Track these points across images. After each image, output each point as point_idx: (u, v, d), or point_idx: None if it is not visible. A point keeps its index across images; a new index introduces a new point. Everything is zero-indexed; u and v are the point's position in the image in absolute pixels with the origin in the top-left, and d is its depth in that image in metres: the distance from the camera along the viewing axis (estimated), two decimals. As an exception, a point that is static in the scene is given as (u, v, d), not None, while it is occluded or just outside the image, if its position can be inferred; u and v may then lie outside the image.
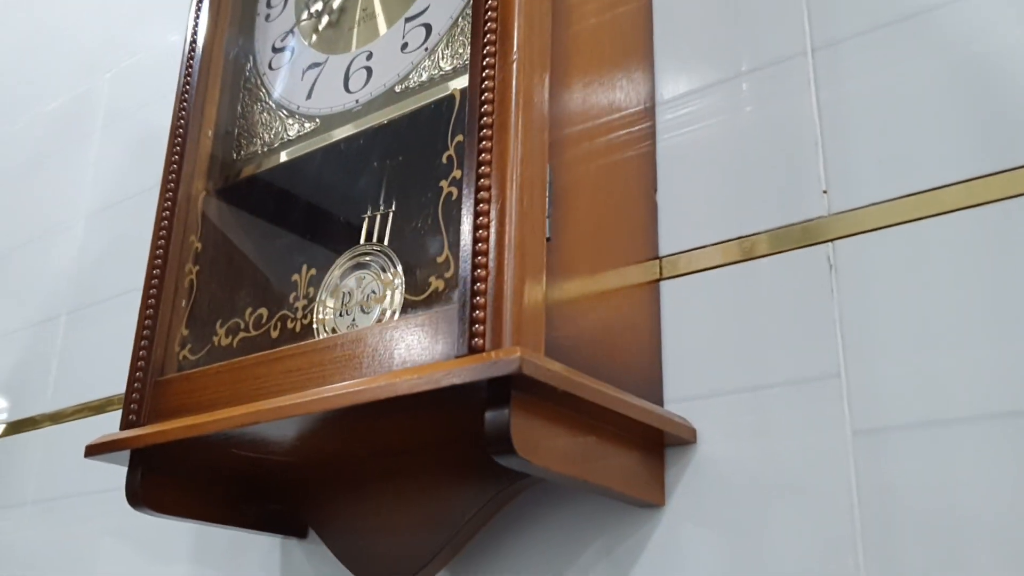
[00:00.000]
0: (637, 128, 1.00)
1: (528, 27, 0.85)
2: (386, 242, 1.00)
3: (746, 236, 0.93)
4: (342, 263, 1.03)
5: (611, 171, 0.95)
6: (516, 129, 0.81)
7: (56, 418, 1.63)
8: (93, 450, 1.01)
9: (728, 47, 1.00)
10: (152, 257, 1.07)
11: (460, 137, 0.88)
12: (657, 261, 0.98)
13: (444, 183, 0.88)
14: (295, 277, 0.99)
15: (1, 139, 2.12)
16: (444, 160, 0.89)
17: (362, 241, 1.04)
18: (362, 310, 0.99)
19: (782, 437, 0.84)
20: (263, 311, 1.00)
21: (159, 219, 1.09)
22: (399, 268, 0.98)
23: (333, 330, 0.99)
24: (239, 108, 1.19)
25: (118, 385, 1.50)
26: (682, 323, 0.94)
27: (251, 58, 1.21)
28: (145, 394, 1.01)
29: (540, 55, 0.85)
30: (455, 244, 0.83)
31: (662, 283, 0.97)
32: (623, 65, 1.00)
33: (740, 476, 0.86)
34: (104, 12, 1.98)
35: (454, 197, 0.87)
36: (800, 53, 0.95)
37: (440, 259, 0.88)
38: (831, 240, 0.87)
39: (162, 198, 1.11)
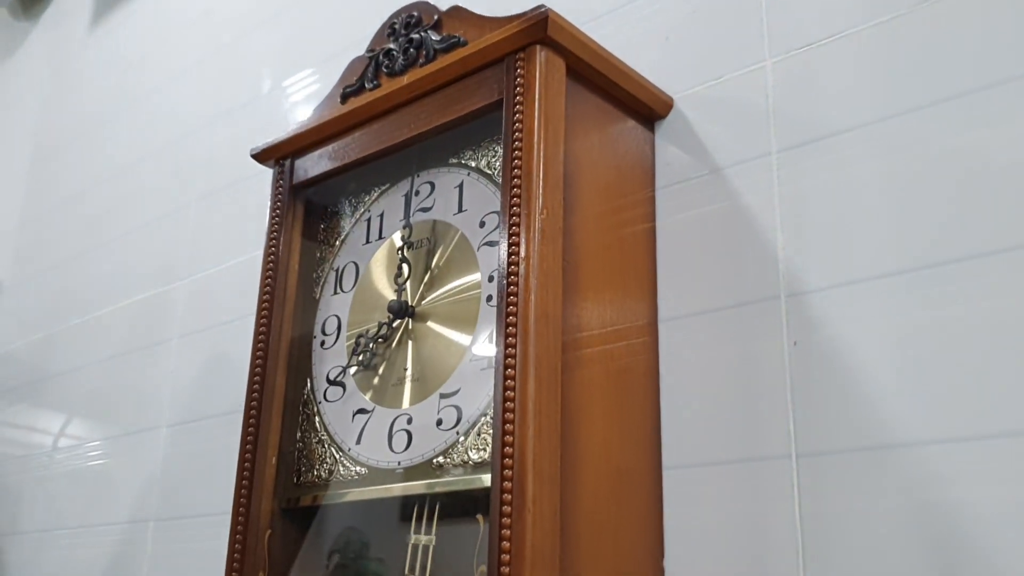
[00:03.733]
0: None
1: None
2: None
3: (737, 627, 1.06)
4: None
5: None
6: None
7: (148, 628, 1.83)
8: None
9: (725, 434, 1.13)
10: (227, 598, 1.24)
11: (483, 568, 1.03)
12: (663, 628, 1.11)
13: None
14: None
15: (85, 326, 2.32)
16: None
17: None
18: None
19: None
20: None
21: (231, 553, 1.26)
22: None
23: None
24: (298, 433, 1.35)
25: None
26: None
27: (308, 382, 1.37)
28: None
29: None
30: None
31: (668, 648, 1.11)
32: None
33: None
34: (178, 218, 2.16)
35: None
36: (785, 455, 1.08)
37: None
38: (809, 652, 1.00)
39: (233, 530, 1.27)
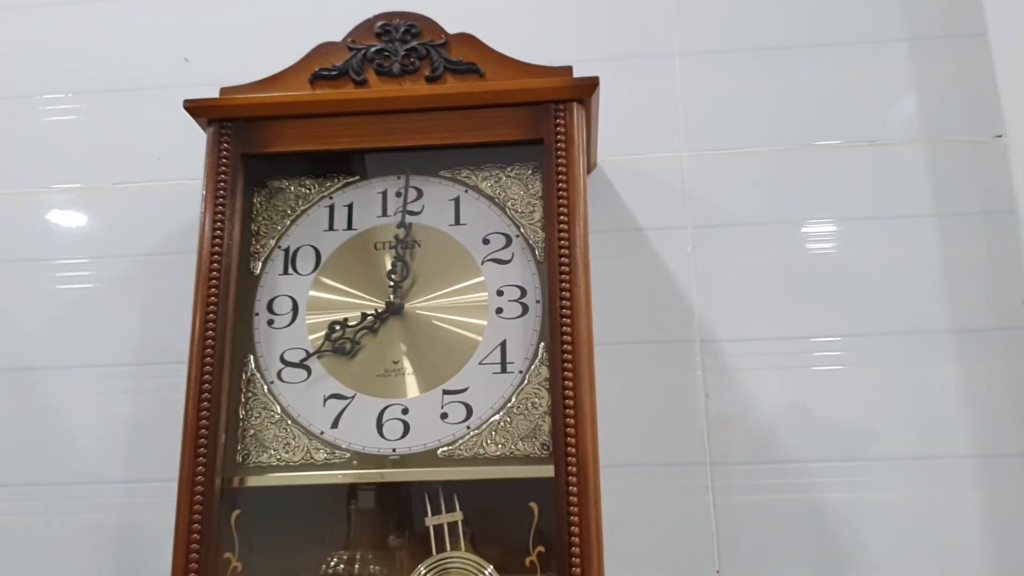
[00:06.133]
0: None
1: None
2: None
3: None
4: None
5: None
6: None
7: None
8: None
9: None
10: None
11: (541, 548, 1.20)
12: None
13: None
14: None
15: None
16: (527, 563, 1.20)
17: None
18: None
19: None
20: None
21: (185, 534, 1.19)
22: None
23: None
24: (241, 412, 1.31)
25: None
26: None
27: (252, 360, 1.33)
28: None
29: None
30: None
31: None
32: None
33: None
34: None
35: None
36: (702, 462, 1.43)
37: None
38: (724, 608, 1.36)
39: (187, 510, 1.21)
